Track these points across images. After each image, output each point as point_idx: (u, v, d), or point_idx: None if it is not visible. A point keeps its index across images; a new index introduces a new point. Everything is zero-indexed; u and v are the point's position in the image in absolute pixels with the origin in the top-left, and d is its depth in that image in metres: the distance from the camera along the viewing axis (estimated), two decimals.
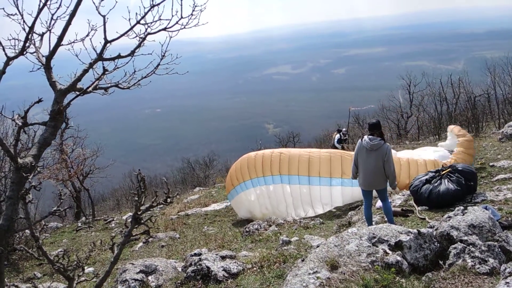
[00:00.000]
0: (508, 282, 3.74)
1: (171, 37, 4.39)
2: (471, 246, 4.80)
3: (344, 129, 20.17)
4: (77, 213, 20.94)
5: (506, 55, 25.23)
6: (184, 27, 4.29)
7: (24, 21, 3.90)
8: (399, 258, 4.85)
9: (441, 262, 4.86)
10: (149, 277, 6.94)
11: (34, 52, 4.06)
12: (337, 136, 19.46)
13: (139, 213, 3.50)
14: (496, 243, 4.85)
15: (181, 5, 4.16)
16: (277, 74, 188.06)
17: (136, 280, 6.79)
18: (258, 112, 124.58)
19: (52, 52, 3.91)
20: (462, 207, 5.73)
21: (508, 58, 24.64)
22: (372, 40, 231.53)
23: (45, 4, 3.77)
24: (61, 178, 18.21)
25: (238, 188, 12.91)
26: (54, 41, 3.95)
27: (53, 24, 3.99)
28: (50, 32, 4.00)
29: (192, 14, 4.24)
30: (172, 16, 4.17)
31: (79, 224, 17.16)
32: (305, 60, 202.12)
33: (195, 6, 4.23)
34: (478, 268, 4.47)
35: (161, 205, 3.51)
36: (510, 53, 25.67)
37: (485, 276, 4.37)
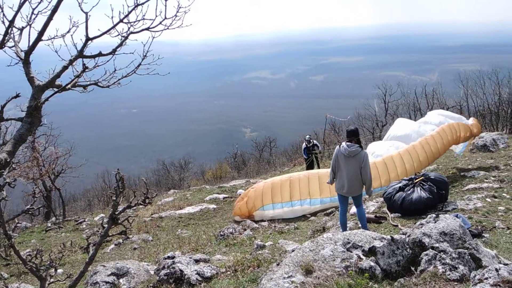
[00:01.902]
0: None
1: (153, 37, 4.36)
2: (442, 253, 4.89)
3: (307, 136, 19.84)
4: (47, 213, 20.51)
5: (478, 69, 25.92)
6: (168, 28, 4.27)
7: (4, 15, 3.83)
8: (372, 264, 4.92)
9: (413, 268, 4.94)
10: (121, 280, 6.84)
11: (12, 46, 3.99)
12: (303, 145, 19.39)
13: (116, 213, 3.46)
14: (466, 250, 4.96)
15: (165, 5, 4.14)
16: (256, 79, 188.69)
17: (107, 282, 6.68)
18: (236, 116, 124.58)
19: (32, 47, 3.84)
20: (434, 215, 5.83)
21: (480, 72, 25.32)
22: (350, 49, 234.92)
23: None
24: (31, 176, 17.81)
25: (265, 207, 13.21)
26: (34, 36, 3.89)
27: (34, 19, 3.93)
28: (30, 27, 3.94)
29: (176, 15, 4.22)
30: (156, 16, 4.15)
31: (49, 225, 16.80)
32: (284, 66, 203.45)
33: (180, 7, 4.22)
34: (449, 274, 4.56)
35: (139, 206, 3.47)
36: (483, 66, 26.39)
37: (455, 283, 4.47)
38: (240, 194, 14.95)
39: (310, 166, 19.25)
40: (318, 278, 4.63)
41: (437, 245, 5.08)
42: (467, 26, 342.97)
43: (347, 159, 7.88)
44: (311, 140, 19.15)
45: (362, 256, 5.11)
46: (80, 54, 4.07)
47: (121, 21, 4.07)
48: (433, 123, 13.56)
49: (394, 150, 12.92)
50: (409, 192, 9.29)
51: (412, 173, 11.57)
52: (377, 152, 13.18)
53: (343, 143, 8.01)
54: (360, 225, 8.23)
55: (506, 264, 4.40)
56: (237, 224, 11.71)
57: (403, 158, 12.39)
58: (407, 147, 12.73)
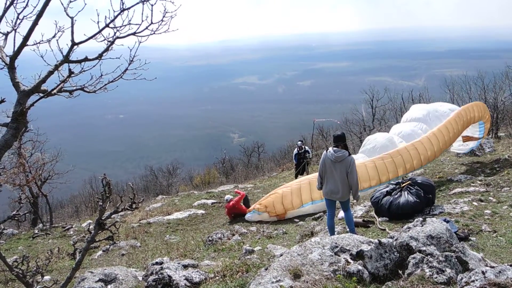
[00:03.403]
0: None
1: (140, 42, 4.35)
2: (429, 256, 4.92)
3: (299, 142, 19.93)
4: (33, 220, 20.25)
5: (464, 74, 26.18)
6: (154, 33, 4.26)
7: None
8: (360, 267, 4.93)
9: (400, 272, 4.96)
10: (109, 286, 6.77)
11: None
12: (295, 150, 19.45)
13: (103, 218, 3.43)
14: (453, 253, 5.00)
15: (152, 10, 4.13)
16: (244, 84, 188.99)
17: None
18: (223, 121, 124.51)
19: (17, 52, 3.81)
20: (421, 219, 5.88)
21: (466, 77, 25.58)
22: (337, 54, 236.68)
23: (11, 3, 3.68)
24: (18, 183, 17.56)
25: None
26: (19, 41, 3.86)
27: (19, 24, 3.89)
28: (15, 32, 3.90)
29: (162, 20, 4.21)
30: (142, 21, 4.13)
31: (36, 231, 16.59)
32: (271, 71, 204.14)
33: (166, 12, 4.21)
34: (436, 277, 4.59)
35: (126, 211, 3.45)
36: (469, 71, 26.68)
37: (443, 286, 4.49)
38: (227, 200, 14.80)
39: (299, 172, 19.31)
40: (306, 282, 4.63)
41: (424, 248, 5.12)
42: (454, 32, 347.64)
43: (334, 164, 7.90)
44: (303, 146, 19.22)
45: (350, 260, 5.12)
46: (66, 59, 4.03)
47: (107, 26, 4.05)
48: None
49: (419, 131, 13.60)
50: (396, 196, 9.36)
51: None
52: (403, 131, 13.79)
53: (330, 148, 8.03)
54: (348, 230, 8.27)
55: (493, 267, 4.45)
56: (225, 229, 11.68)
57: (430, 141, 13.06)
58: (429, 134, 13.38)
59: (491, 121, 21.60)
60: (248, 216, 13.52)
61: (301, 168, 19.22)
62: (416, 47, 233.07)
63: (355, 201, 9.13)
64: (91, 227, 3.79)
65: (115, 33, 4.17)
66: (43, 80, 3.98)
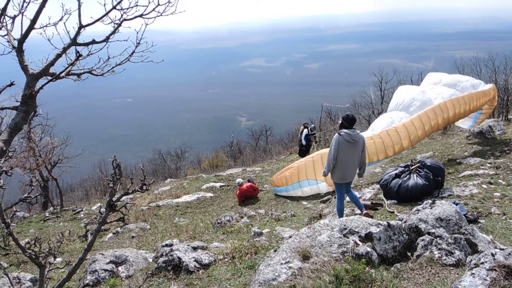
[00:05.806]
0: (473, 273, 3.85)
1: (147, 24, 4.32)
2: (438, 238, 4.92)
3: (312, 125, 19.79)
4: (44, 203, 20.50)
5: (475, 55, 25.76)
6: (161, 15, 4.22)
7: None
8: (369, 249, 4.95)
9: (409, 254, 4.98)
10: (120, 268, 6.87)
11: (5, 35, 3.94)
12: (305, 131, 19.28)
13: (113, 199, 3.45)
14: (462, 236, 4.99)
15: None
16: (251, 67, 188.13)
17: (106, 270, 6.71)
18: (231, 105, 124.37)
19: (25, 35, 3.80)
20: (430, 201, 5.87)
21: (476, 58, 25.16)
22: (345, 36, 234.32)
23: None
24: (28, 166, 17.75)
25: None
26: (26, 24, 3.84)
27: (26, 7, 3.88)
28: (22, 15, 3.89)
29: (169, 2, 4.18)
30: (149, 2, 4.10)
31: (47, 214, 16.81)
32: (279, 54, 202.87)
33: None
34: (445, 259, 4.60)
35: (136, 193, 3.47)
36: (479, 53, 26.21)
37: (451, 267, 4.50)
38: (239, 183, 14.81)
39: (306, 152, 19.24)
40: (315, 263, 4.66)
41: (433, 230, 5.12)
42: (464, 13, 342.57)
43: (351, 146, 7.87)
44: (314, 128, 19.14)
45: (358, 242, 5.14)
46: (74, 42, 4.02)
47: (114, 8, 4.02)
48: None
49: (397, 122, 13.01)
50: (405, 179, 9.33)
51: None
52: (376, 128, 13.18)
53: (344, 131, 7.91)
54: (357, 212, 8.30)
55: (502, 249, 4.43)
56: (234, 212, 11.75)
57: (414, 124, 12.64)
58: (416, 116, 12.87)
59: (502, 104, 21.42)
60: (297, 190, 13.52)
61: (307, 150, 19.13)
62: (425, 28, 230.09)
63: (360, 178, 9.08)
64: (102, 209, 3.82)
65: (122, 15, 4.14)
66: (52, 63, 3.98)
